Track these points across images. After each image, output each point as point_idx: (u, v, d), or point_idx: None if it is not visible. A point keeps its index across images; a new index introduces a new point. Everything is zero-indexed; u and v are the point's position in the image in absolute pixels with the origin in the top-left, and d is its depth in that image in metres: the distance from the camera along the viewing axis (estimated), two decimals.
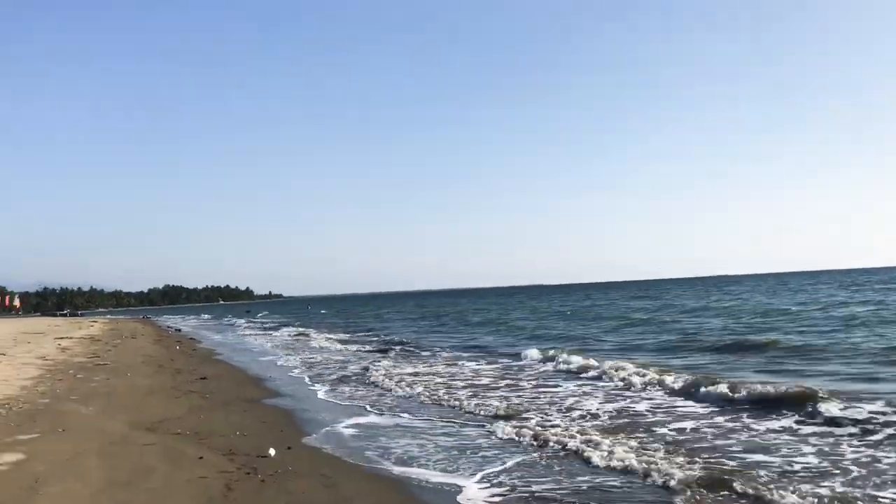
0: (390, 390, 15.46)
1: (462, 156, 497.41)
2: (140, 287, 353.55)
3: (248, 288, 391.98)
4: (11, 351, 26.82)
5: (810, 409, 10.82)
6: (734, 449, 9.00)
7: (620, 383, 15.11)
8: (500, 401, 13.40)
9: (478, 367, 19.94)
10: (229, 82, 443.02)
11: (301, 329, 46.19)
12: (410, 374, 18.16)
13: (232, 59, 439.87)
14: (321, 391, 15.82)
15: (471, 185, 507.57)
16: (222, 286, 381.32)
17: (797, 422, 10.43)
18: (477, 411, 12.40)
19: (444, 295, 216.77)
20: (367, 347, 29.01)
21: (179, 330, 53.99)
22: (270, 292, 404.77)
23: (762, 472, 7.71)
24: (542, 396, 14.07)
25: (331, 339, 34.78)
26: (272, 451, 9.14)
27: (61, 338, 37.82)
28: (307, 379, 18.36)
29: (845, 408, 10.68)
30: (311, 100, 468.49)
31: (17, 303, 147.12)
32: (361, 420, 11.98)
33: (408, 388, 15.41)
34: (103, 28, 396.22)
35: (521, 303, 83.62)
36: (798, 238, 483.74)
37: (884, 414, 10.22)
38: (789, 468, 7.95)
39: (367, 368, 19.96)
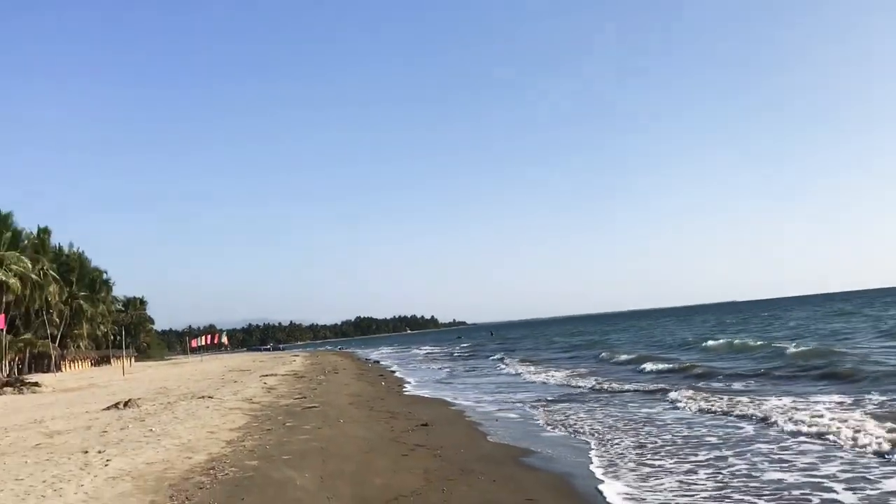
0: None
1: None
2: (334, 320, 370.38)
3: (433, 317, 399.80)
4: (219, 392, 25.82)
5: None
6: None
7: None
8: None
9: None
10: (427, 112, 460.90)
11: (503, 356, 43.32)
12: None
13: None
14: (579, 442, 12.47)
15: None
16: (409, 316, 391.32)
17: None
18: None
19: (633, 316, 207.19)
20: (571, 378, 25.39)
21: (378, 362, 53.05)
22: (454, 320, 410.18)
23: None
24: None
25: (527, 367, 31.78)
26: None
27: (266, 375, 37.32)
28: (546, 424, 15.16)
29: None
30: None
31: (224, 339, 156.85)
32: None
33: None
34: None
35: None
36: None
37: None
38: None
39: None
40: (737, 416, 14.32)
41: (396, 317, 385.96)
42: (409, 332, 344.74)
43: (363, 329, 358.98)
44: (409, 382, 30.56)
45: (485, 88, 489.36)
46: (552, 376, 27.59)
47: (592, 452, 11.70)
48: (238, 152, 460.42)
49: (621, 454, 11.40)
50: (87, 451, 12.14)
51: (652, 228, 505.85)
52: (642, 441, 12.46)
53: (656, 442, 12.30)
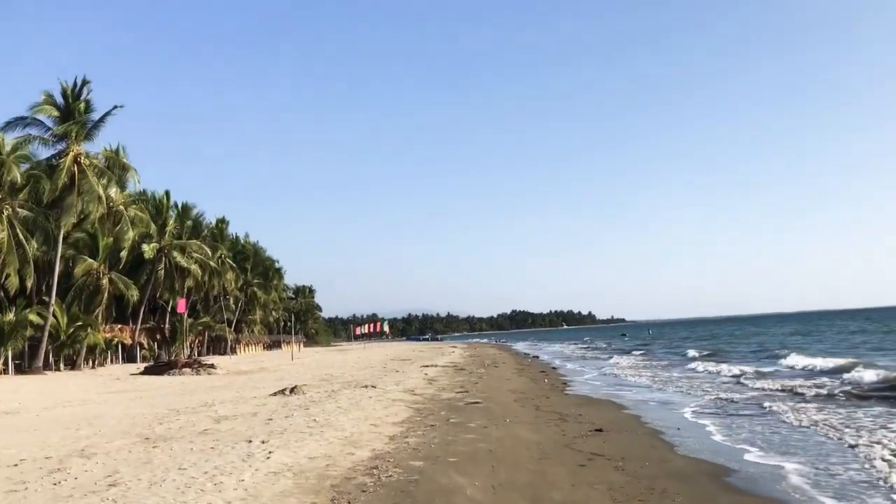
0: None
1: None
2: (490, 312, 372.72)
3: (590, 312, 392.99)
4: (382, 382, 25.63)
5: None
6: None
7: None
8: None
9: None
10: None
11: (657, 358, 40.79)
12: None
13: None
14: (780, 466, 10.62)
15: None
16: (565, 311, 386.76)
17: None
18: None
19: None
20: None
21: (537, 357, 51.84)
22: (613, 316, 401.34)
23: None
24: None
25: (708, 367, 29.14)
26: None
27: (427, 366, 37.14)
28: (733, 436, 13.30)
29: None
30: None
31: (386, 328, 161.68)
32: None
33: None
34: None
35: None
36: None
37: None
38: None
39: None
40: None
41: (553, 311, 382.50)
42: (565, 327, 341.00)
43: (518, 322, 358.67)
44: (572, 380, 29.13)
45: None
46: (718, 380, 25.19)
47: (803, 480, 9.88)
48: (403, 145, 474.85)
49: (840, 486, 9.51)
50: (250, 441, 11.81)
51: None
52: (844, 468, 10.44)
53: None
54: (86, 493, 8.14)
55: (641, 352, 53.31)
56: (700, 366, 33.33)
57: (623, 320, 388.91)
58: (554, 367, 38.20)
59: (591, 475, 9.90)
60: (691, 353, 45.85)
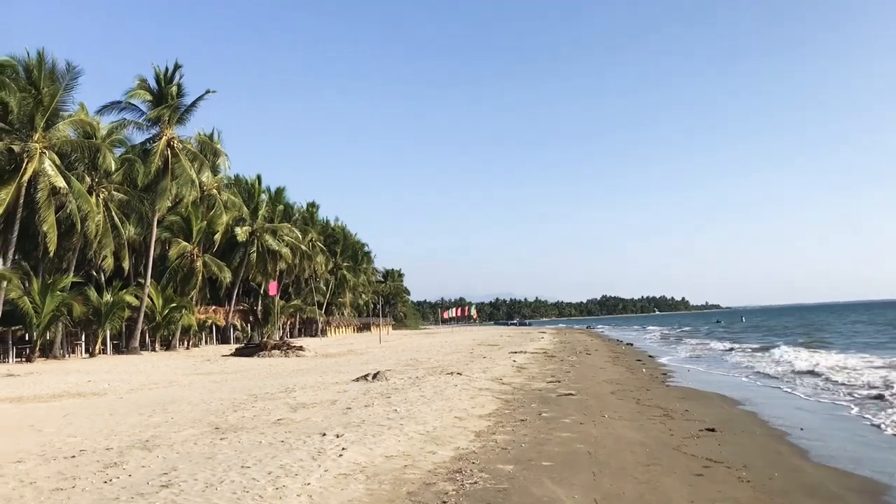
0: None
1: None
2: (579, 298, 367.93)
3: (683, 298, 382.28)
4: (468, 368, 24.49)
5: None
6: None
7: None
8: None
9: None
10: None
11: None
12: None
13: None
14: None
15: None
16: (657, 296, 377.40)
17: None
18: None
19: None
20: None
21: (631, 344, 49.75)
22: (707, 302, 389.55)
23: None
24: None
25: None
26: None
27: (515, 352, 35.82)
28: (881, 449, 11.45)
29: None
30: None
31: (473, 312, 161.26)
32: None
33: None
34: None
35: None
36: None
37: None
38: None
39: None
40: None
41: (644, 297, 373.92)
42: (657, 313, 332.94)
43: (609, 308, 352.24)
44: (672, 369, 27.22)
45: None
46: (830, 375, 22.85)
47: None
48: (495, 131, 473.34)
49: None
50: (324, 434, 10.84)
51: None
52: None
53: None
54: (133, 496, 7.27)
55: (737, 340, 50.42)
56: (801, 355, 30.78)
57: (718, 306, 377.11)
58: (651, 356, 36.20)
59: (711, 488, 8.41)
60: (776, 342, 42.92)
